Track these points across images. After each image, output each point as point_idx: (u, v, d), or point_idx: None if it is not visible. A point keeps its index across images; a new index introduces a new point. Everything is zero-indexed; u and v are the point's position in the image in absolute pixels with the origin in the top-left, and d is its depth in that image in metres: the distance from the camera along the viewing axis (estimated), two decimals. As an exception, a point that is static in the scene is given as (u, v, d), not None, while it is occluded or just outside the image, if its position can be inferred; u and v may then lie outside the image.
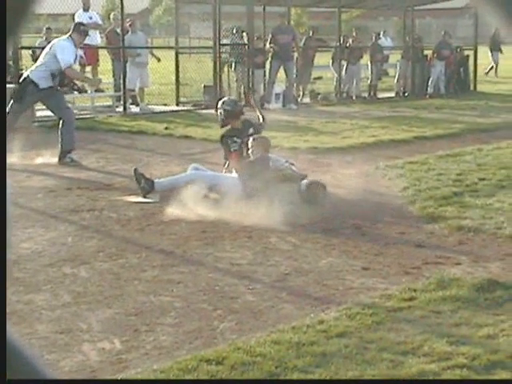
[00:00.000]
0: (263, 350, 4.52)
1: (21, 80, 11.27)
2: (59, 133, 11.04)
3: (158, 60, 19.15)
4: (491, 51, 31.67)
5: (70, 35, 11.22)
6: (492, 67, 32.12)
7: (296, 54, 20.88)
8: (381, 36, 27.61)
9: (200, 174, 8.90)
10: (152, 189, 8.74)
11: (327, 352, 4.50)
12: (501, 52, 31.61)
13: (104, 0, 45.08)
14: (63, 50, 11.00)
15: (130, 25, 18.44)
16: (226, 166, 9.16)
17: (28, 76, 11.08)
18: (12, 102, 10.97)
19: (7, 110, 10.89)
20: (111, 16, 19.93)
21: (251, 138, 8.92)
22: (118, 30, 18.71)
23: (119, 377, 4.30)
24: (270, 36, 20.12)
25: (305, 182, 8.69)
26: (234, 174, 8.80)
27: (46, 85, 10.95)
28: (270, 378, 4.23)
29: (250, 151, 8.87)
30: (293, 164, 9.29)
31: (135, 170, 8.93)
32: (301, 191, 8.55)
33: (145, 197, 8.74)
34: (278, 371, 4.27)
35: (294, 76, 20.59)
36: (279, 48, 19.60)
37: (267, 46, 20.08)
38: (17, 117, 10.90)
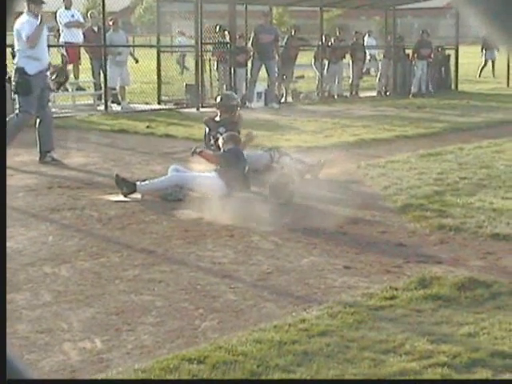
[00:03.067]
0: (245, 348, 4.51)
1: (14, 74, 11.10)
2: (37, 132, 10.97)
3: (136, 61, 19.13)
4: (485, 50, 31.27)
5: (28, 10, 10.89)
6: (484, 67, 31.85)
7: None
8: (366, 36, 27.72)
9: (181, 175, 8.90)
10: (134, 192, 8.71)
11: (309, 351, 4.50)
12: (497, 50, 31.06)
13: (85, -2, 44.88)
14: (22, 26, 10.76)
15: (112, 23, 18.39)
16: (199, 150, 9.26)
17: (17, 67, 10.93)
18: (20, 100, 10.86)
19: (16, 111, 10.83)
20: (89, 14, 19.87)
21: (221, 137, 9.06)
22: (96, 29, 18.65)
23: (99, 377, 4.29)
24: (253, 35, 20.12)
25: (272, 179, 8.76)
26: (213, 174, 8.81)
27: (32, 71, 10.73)
28: (252, 377, 4.23)
29: (221, 147, 9.07)
30: (275, 152, 9.59)
31: (116, 175, 8.91)
32: (270, 189, 8.62)
33: (126, 196, 8.72)
34: (259, 370, 4.27)
35: (276, 75, 20.60)
36: (261, 47, 19.61)
37: (249, 44, 20.09)
38: (30, 113, 10.80)
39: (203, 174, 8.94)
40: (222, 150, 9.01)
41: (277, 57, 20.42)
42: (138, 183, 8.80)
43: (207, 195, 8.51)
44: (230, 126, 9.70)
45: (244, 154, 9.04)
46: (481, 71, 31.67)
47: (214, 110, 17.58)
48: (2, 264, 3.66)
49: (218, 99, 10.39)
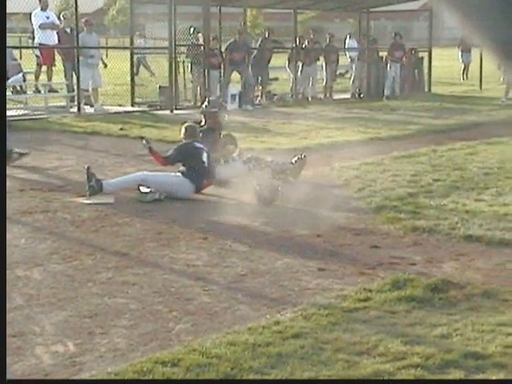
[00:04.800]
0: (219, 351, 4.50)
1: None
2: None
3: (105, 66, 19.02)
4: (461, 52, 31.33)
5: None
6: (464, 70, 31.88)
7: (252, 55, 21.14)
8: (347, 38, 27.81)
9: (146, 173, 8.98)
10: (100, 189, 8.69)
11: (283, 353, 4.50)
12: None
13: (58, 0, 44.64)
14: None
15: (86, 24, 18.28)
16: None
17: None
18: None
19: None
20: (61, 15, 19.74)
21: (182, 127, 9.51)
22: (68, 30, 18.53)
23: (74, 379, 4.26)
24: (225, 52, 20.22)
25: (261, 183, 8.76)
26: (178, 173, 8.95)
27: None
28: (226, 379, 4.21)
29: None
30: (254, 164, 9.66)
31: (88, 168, 8.88)
32: (257, 192, 8.62)
33: (90, 196, 8.63)
34: (233, 372, 4.26)
35: (251, 77, 20.70)
36: (233, 62, 19.98)
37: (224, 55, 20.24)
38: None
39: (169, 173, 9.05)
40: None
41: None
42: (104, 181, 8.79)
43: (174, 195, 8.69)
44: (209, 131, 9.84)
45: (200, 145, 9.17)
46: (463, 74, 31.73)
47: (187, 112, 17.62)
48: (2, 264, 3.61)
49: (203, 106, 10.59)
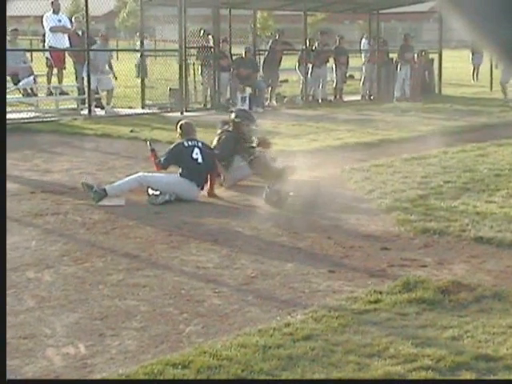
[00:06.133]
0: (229, 353, 4.50)
1: None
2: None
3: (116, 78, 19.03)
4: (472, 54, 31.30)
5: None
6: (474, 71, 31.87)
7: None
8: (363, 38, 27.73)
9: (146, 174, 9.01)
10: (105, 194, 8.66)
11: (293, 355, 4.50)
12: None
13: (69, 2, 44.72)
14: None
15: (101, 39, 18.45)
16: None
17: None
18: None
19: None
20: (73, 18, 19.77)
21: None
22: (80, 32, 18.57)
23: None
24: (234, 67, 20.23)
25: (271, 186, 8.75)
26: (177, 175, 8.97)
27: None
28: (237, 379, 4.22)
29: None
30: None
31: (82, 183, 8.92)
32: (266, 195, 8.61)
33: (97, 202, 8.62)
34: (244, 374, 4.26)
35: (262, 80, 20.73)
36: (240, 77, 20.00)
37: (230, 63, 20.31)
38: None
39: (169, 173, 9.06)
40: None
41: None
42: (107, 186, 8.80)
43: (180, 195, 8.74)
44: (231, 137, 9.88)
45: (191, 143, 9.17)
46: (473, 76, 31.69)
47: (197, 114, 17.67)
48: (2, 265, 3.63)
49: (231, 115, 10.62)
